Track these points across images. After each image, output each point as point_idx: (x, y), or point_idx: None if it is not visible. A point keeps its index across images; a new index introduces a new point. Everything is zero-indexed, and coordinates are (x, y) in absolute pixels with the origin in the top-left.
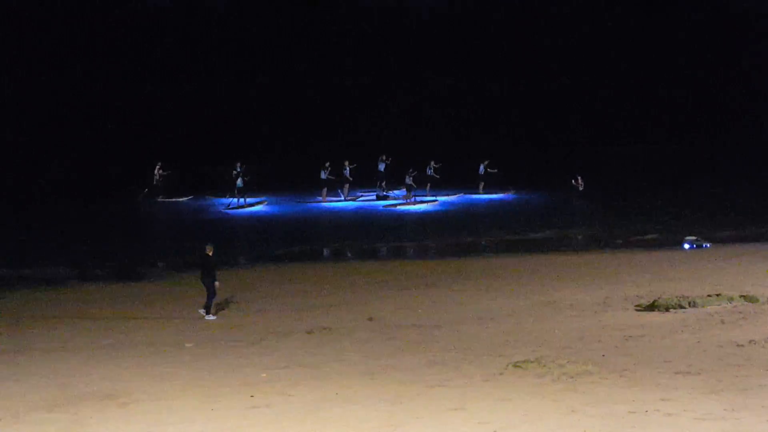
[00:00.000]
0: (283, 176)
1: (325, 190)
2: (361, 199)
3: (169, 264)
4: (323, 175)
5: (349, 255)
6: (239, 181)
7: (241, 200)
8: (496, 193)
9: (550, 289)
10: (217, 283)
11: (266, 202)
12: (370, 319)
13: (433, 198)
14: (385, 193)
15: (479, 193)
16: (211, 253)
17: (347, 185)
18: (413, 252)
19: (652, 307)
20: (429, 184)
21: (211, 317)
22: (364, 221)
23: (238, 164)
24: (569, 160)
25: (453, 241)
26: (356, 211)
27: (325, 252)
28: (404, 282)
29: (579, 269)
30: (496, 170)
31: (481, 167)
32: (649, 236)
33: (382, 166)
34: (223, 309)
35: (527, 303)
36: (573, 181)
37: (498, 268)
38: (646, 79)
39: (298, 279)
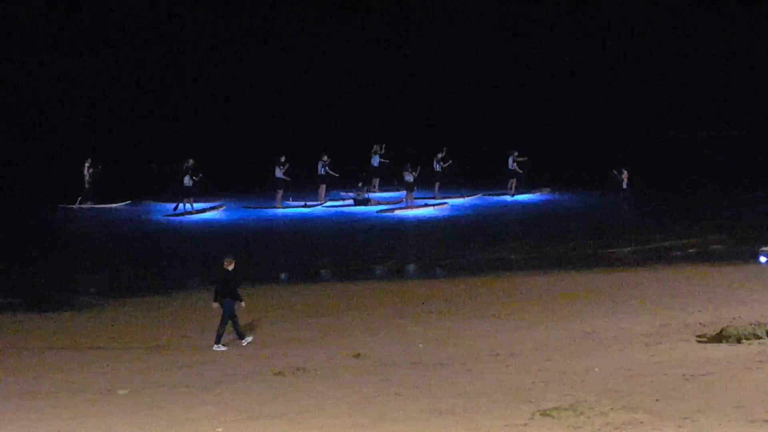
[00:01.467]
0: (246, 173)
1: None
2: (325, 204)
3: (96, 288)
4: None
5: (331, 275)
6: (186, 179)
7: (187, 206)
8: (529, 192)
9: (588, 316)
10: (242, 304)
11: (224, 207)
12: (357, 355)
13: (443, 201)
14: (366, 195)
15: (510, 195)
16: (231, 267)
17: (323, 186)
18: (412, 270)
19: (719, 337)
20: (437, 183)
21: (220, 347)
22: (349, 231)
23: (191, 160)
24: (613, 147)
25: (463, 255)
26: (338, 220)
27: (301, 271)
28: (401, 308)
29: (625, 290)
30: (525, 158)
31: (510, 160)
32: (714, 246)
33: (376, 160)
34: (169, 344)
35: (559, 334)
36: (614, 171)
37: (520, 289)
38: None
39: (265, 306)
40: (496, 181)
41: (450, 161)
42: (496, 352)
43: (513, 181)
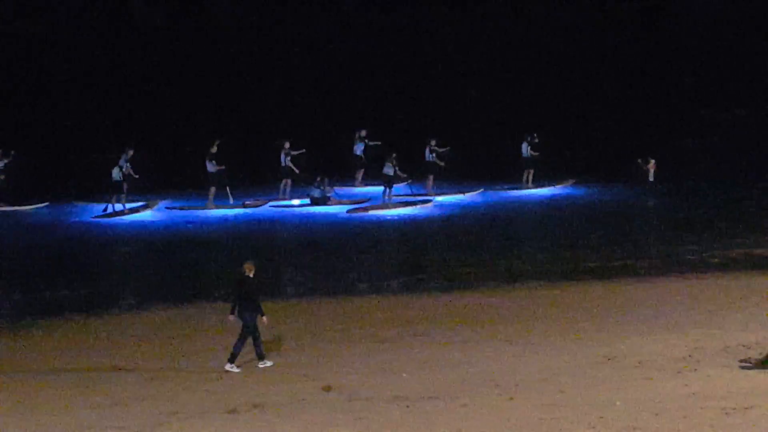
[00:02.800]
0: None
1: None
2: (270, 204)
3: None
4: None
5: (294, 290)
6: (116, 173)
7: (117, 205)
8: (550, 185)
9: (609, 337)
10: (264, 319)
11: (155, 205)
12: (327, 388)
13: (427, 198)
14: (328, 194)
15: (527, 188)
16: (252, 274)
17: (287, 181)
18: (395, 284)
19: (766, 362)
20: (431, 177)
21: (234, 368)
22: (315, 236)
23: (130, 151)
24: (640, 132)
25: (453, 264)
26: (302, 221)
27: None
28: (379, 330)
29: (651, 305)
30: (537, 141)
31: (524, 146)
32: (760, 251)
33: (359, 148)
34: (98, 377)
35: (573, 360)
36: (640, 161)
37: (524, 305)
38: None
39: (216, 329)
40: (508, 173)
41: (447, 149)
42: (497, 383)
43: (529, 172)
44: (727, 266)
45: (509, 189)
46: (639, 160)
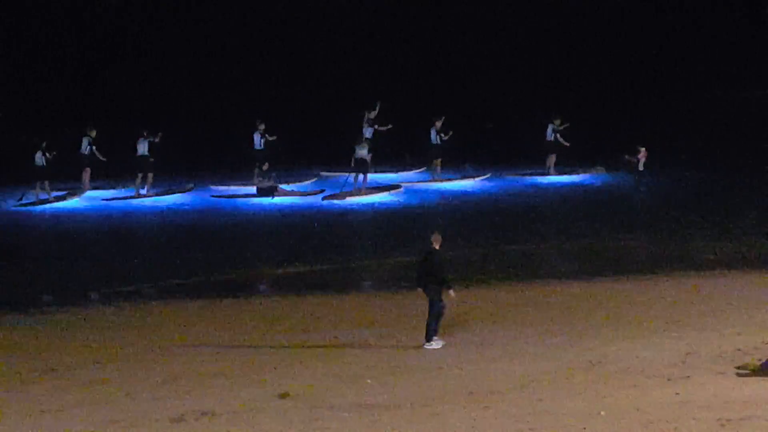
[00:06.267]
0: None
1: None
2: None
3: None
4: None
5: (250, 286)
6: (39, 158)
7: (41, 193)
8: (576, 172)
9: (594, 341)
10: (451, 292)
11: (79, 193)
12: (285, 395)
13: (395, 182)
14: (276, 184)
15: (549, 175)
16: (438, 246)
17: (263, 168)
18: (359, 279)
19: (766, 369)
20: (438, 161)
21: (435, 345)
22: (279, 226)
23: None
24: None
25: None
26: (279, 211)
27: (216, 280)
28: (343, 330)
29: (641, 305)
30: (566, 125)
31: (549, 129)
32: (764, 246)
33: (368, 132)
34: (28, 379)
35: (554, 365)
36: (627, 156)
37: (500, 306)
38: None
39: (162, 328)
40: (530, 158)
41: (451, 132)
42: (470, 390)
43: (552, 157)
44: (723, 264)
45: (529, 175)
46: (626, 156)
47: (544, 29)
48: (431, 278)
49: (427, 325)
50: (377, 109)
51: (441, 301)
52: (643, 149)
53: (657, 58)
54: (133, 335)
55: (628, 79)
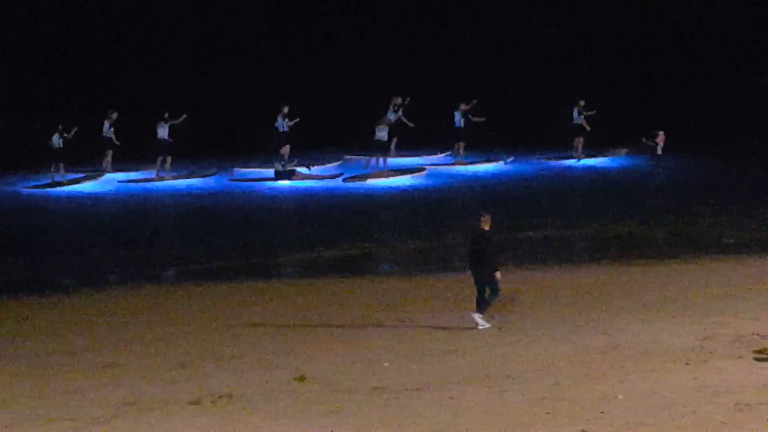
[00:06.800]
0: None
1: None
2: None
3: None
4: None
5: (266, 269)
6: (56, 140)
7: (58, 176)
8: (599, 155)
9: (611, 326)
10: (497, 274)
11: (100, 175)
12: (301, 378)
13: (420, 165)
14: (307, 168)
15: (577, 158)
16: (488, 227)
17: (283, 151)
18: (377, 263)
19: None
20: (462, 144)
21: (484, 323)
22: (299, 209)
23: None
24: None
25: (446, 241)
26: (291, 193)
27: (228, 265)
28: (361, 314)
29: (658, 289)
30: (593, 112)
31: (576, 112)
32: None
33: (392, 117)
34: (48, 361)
35: (572, 349)
36: (644, 139)
37: (519, 290)
38: None
39: (179, 311)
40: (556, 141)
41: (480, 118)
42: (487, 374)
43: (580, 140)
44: (742, 248)
45: (557, 159)
46: (644, 139)
47: (568, 12)
48: (480, 261)
49: (484, 301)
50: (406, 101)
51: (494, 285)
52: (661, 133)
53: (689, 45)
54: (151, 318)
55: (665, 66)
